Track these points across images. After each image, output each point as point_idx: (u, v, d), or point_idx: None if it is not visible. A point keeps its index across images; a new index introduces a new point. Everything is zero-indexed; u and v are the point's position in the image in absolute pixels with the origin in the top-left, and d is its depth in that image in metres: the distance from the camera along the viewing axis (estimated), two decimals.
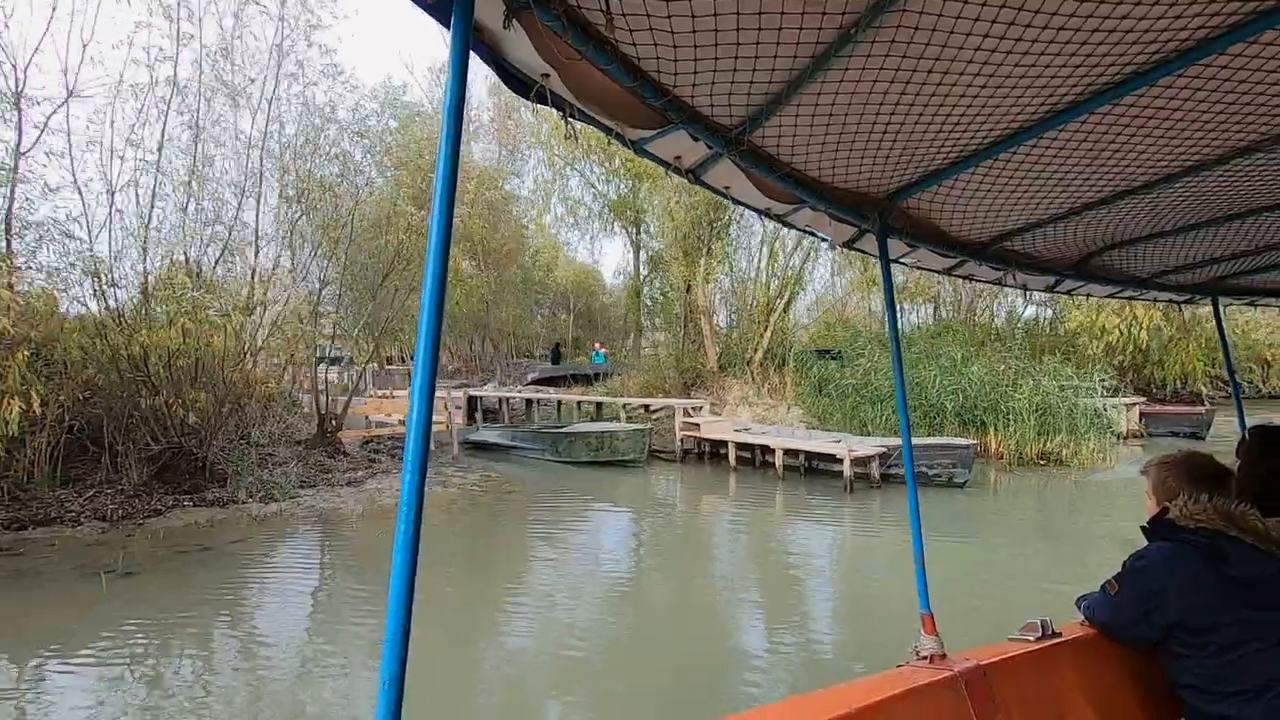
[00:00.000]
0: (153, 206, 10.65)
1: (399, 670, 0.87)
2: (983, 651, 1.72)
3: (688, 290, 20.52)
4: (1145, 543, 1.82)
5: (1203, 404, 19.46)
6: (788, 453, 12.02)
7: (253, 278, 11.40)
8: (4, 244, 9.69)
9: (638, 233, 26.97)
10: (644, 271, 27.55)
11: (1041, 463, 13.00)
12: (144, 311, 9.79)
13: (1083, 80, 1.35)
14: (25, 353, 8.49)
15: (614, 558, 8.10)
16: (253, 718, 4.22)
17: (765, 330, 18.99)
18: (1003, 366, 14.76)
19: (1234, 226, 2.32)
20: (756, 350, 19.01)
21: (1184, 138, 1.61)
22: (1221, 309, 3.51)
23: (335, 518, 9.93)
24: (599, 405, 17.83)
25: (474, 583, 6.93)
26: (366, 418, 16.32)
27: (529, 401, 19.97)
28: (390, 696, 0.86)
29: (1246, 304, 3.69)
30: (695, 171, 1.61)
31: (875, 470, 10.88)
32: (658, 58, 1.24)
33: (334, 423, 12.91)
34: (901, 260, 2.38)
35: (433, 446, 13.88)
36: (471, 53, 1.00)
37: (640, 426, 14.00)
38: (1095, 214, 2.12)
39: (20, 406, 8.14)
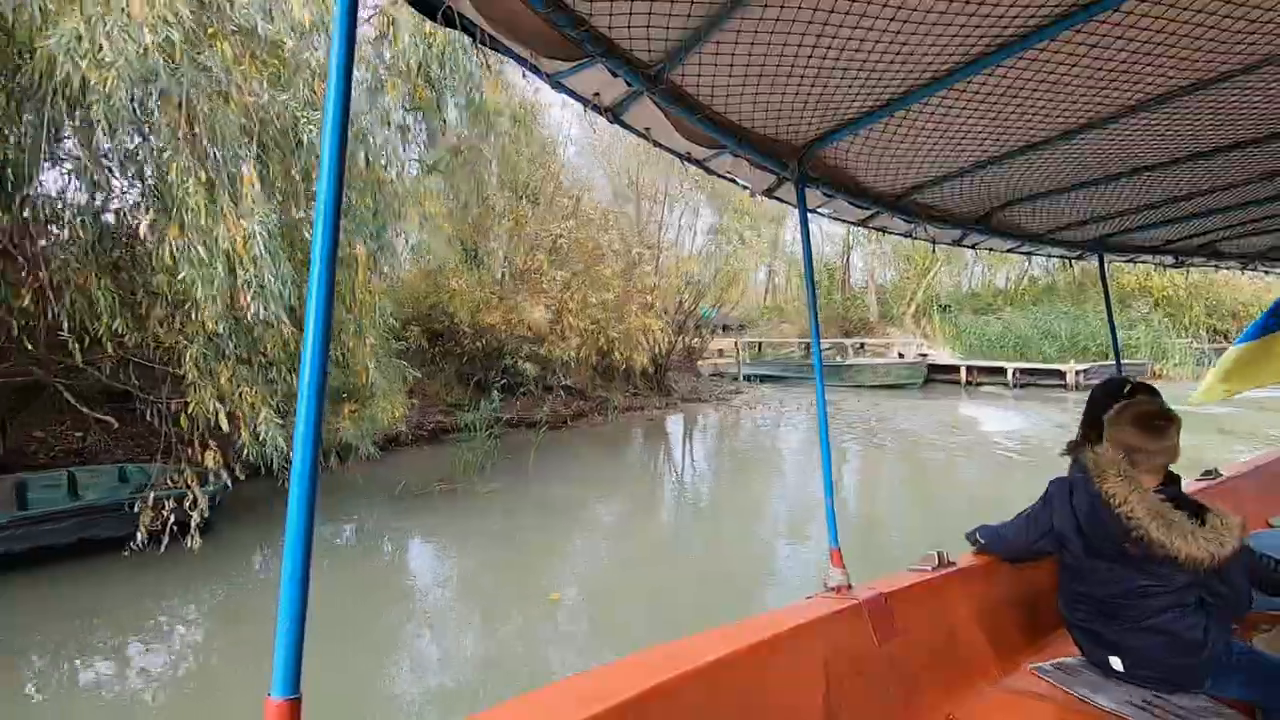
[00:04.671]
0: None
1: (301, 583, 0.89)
2: (885, 581, 1.89)
3: (847, 258, 26.43)
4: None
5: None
6: (1013, 372, 18.42)
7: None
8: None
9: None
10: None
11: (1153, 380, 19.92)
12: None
13: (990, 32, 1.39)
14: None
15: (947, 419, 14.23)
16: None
17: (919, 289, 25.17)
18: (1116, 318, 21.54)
19: (1118, 185, 2.43)
20: (910, 304, 25.21)
21: (1079, 95, 1.68)
22: (1106, 265, 3.63)
23: (757, 406, 15.71)
24: (808, 345, 23.68)
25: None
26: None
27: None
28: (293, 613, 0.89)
29: (1127, 260, 3.78)
30: (614, 110, 1.59)
31: (1082, 379, 17.36)
32: None
33: (699, 354, 18.35)
34: (818, 210, 2.40)
35: (709, 373, 19.57)
36: None
37: (917, 361, 19.89)
38: (999, 169, 2.19)
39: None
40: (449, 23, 1.17)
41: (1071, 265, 3.78)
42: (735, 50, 1.43)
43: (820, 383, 2.11)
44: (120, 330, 5.22)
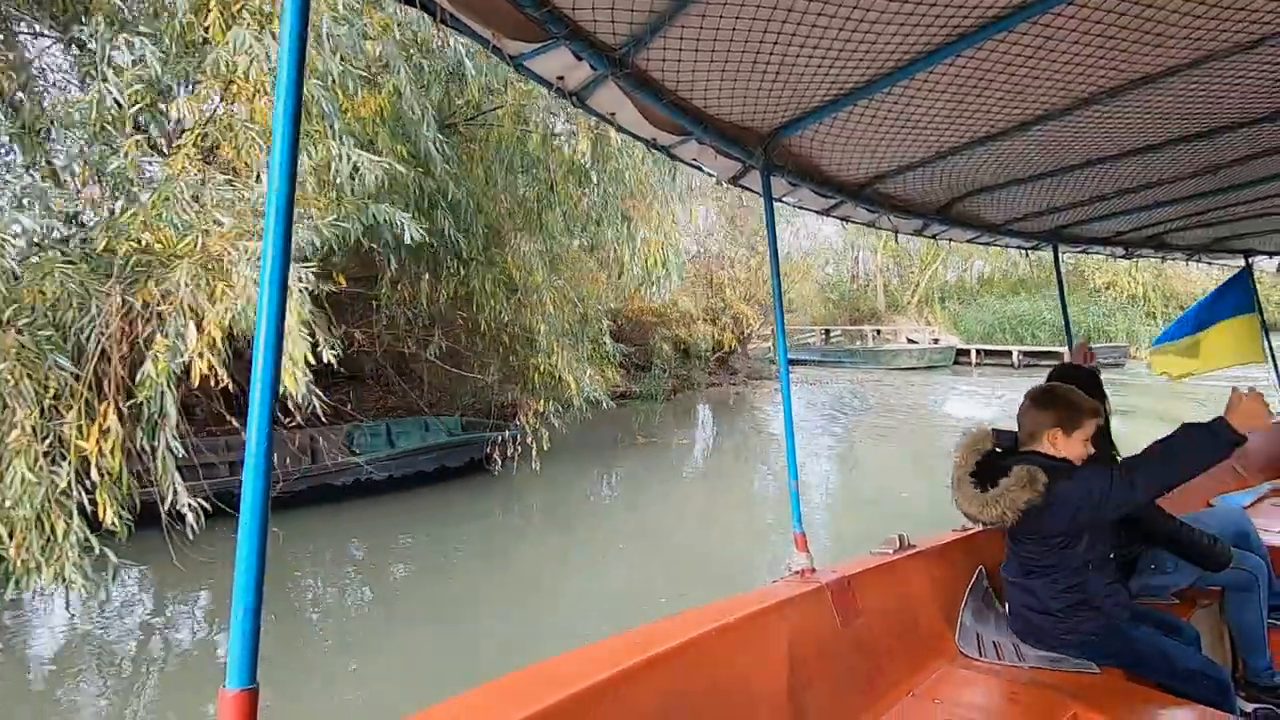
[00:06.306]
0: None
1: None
2: (847, 565, 1.93)
3: (856, 252, 29.12)
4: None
5: None
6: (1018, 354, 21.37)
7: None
8: None
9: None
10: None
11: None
12: None
13: (950, 23, 1.41)
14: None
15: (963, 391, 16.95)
16: None
17: (922, 281, 27.99)
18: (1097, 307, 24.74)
19: (1072, 177, 2.49)
20: (914, 294, 28.02)
21: (1035, 87, 1.71)
22: (1060, 256, 3.68)
23: (815, 383, 18.27)
24: (827, 332, 26.31)
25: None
26: None
27: None
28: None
29: (1080, 251, 3.83)
30: (579, 95, 1.57)
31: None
32: None
33: (750, 339, 20.71)
34: (784, 199, 2.39)
35: (750, 355, 22.07)
36: None
37: (949, 346, 22.49)
38: (959, 159, 2.23)
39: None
40: (408, 1, 1.18)
41: (1028, 255, 4.14)
42: (700, 35, 1.44)
43: (785, 371, 2.14)
44: (499, 313, 7.24)
